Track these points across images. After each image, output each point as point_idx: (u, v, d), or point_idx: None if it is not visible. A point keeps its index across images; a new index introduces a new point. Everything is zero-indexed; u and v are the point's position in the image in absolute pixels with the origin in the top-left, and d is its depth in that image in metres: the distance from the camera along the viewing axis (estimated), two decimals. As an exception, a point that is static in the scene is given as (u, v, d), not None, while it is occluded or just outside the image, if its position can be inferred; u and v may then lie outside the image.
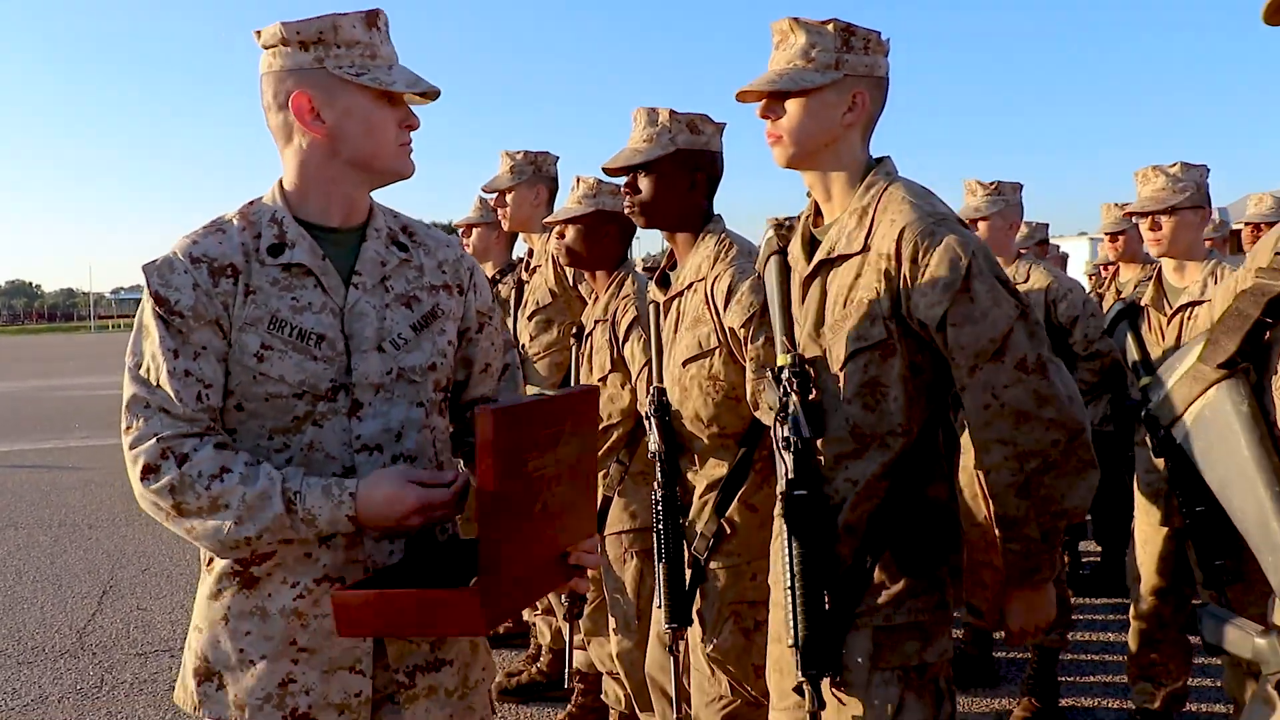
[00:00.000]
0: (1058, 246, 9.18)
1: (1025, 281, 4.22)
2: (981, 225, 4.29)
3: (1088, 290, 4.69)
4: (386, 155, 1.78)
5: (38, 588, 6.09)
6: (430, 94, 1.81)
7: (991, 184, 4.34)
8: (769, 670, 2.22)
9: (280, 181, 1.80)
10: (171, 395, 1.65)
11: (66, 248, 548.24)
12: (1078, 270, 11.78)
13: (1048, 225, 6.27)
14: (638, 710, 3.24)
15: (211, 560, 1.79)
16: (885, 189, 2.00)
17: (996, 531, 1.94)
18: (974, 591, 4.37)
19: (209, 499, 1.63)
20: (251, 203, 1.80)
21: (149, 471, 1.64)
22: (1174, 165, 3.57)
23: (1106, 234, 5.08)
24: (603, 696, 3.60)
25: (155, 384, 1.66)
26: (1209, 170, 3.62)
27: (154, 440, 1.64)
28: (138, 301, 1.78)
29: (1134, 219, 3.95)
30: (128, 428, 1.67)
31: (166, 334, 1.66)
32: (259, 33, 1.75)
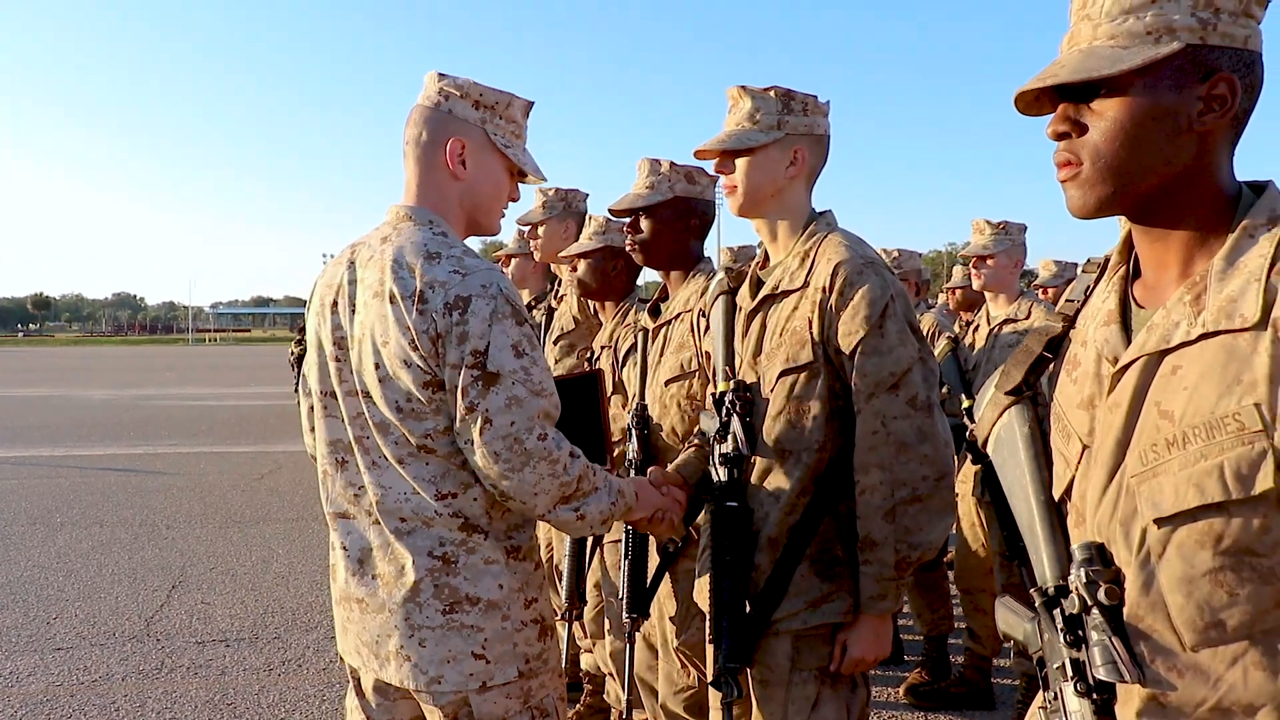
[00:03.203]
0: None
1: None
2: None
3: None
4: (495, 214, 2.20)
5: (115, 579, 6.56)
6: (540, 180, 2.25)
7: (999, 223, 4.53)
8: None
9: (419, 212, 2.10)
10: None
11: (169, 262, 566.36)
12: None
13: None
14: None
15: None
16: (825, 236, 2.26)
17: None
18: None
19: None
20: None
21: None
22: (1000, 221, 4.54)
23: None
24: (606, 697, 3.87)
25: None
26: (1026, 227, 4.58)
27: None
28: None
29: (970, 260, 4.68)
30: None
31: None
32: (442, 75, 2.12)
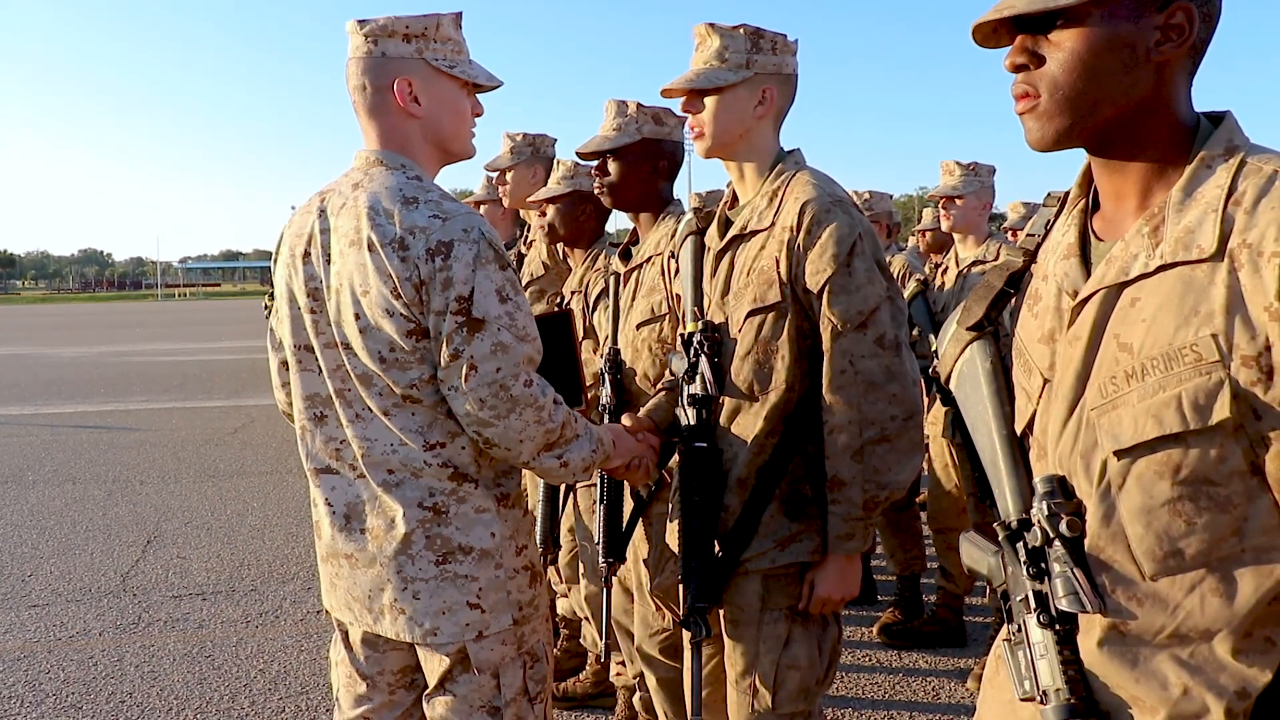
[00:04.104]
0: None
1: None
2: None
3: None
4: (464, 138, 2.14)
5: (89, 536, 6.54)
6: (497, 86, 2.16)
7: (968, 164, 4.52)
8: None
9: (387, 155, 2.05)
10: None
11: (136, 218, 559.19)
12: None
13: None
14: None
15: None
16: (794, 175, 2.24)
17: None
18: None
19: None
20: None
21: None
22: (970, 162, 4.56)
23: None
24: (582, 640, 3.91)
25: None
26: (995, 169, 4.57)
27: None
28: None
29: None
30: None
31: None
32: (362, 22, 2.04)
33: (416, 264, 1.87)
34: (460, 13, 2.09)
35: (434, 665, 2.04)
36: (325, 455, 2.07)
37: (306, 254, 2.04)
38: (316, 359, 2.04)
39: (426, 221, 1.89)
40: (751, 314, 2.18)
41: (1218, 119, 1.26)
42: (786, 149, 2.33)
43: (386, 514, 1.99)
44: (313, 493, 2.13)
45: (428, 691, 2.07)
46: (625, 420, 2.39)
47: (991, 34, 1.31)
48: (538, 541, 3.41)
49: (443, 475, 1.98)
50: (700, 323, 2.28)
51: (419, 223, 1.89)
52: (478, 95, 2.16)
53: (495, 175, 4.34)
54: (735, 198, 2.39)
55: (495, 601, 2.00)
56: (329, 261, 2.00)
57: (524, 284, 4.15)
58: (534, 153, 4.21)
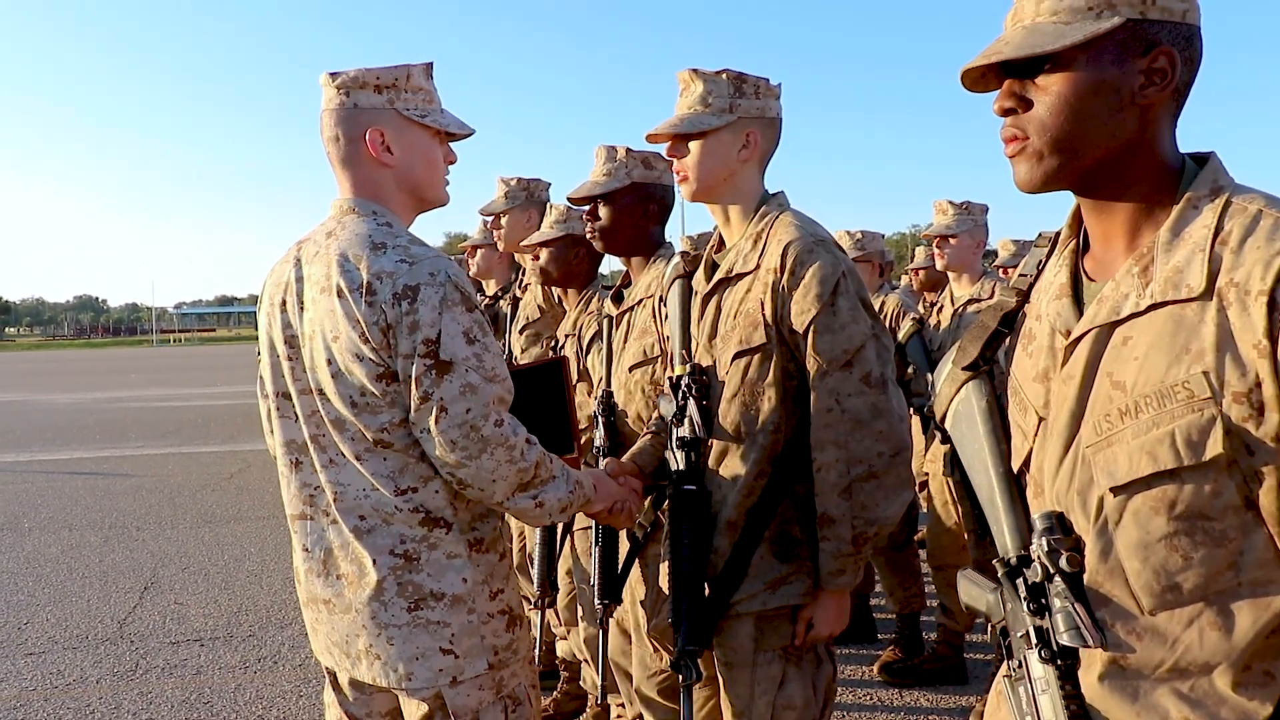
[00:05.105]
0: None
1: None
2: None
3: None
4: (437, 185, 2.18)
5: (86, 582, 6.50)
6: (469, 135, 2.20)
7: (961, 203, 4.57)
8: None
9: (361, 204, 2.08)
10: None
11: (131, 264, 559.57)
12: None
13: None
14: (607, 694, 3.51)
15: None
16: (777, 217, 2.27)
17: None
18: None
19: None
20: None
21: None
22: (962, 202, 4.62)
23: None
24: (582, 683, 3.89)
25: None
26: (988, 207, 4.65)
27: None
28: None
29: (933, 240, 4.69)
30: None
31: None
32: (334, 74, 2.09)
33: (384, 308, 1.89)
34: (431, 63, 2.14)
35: (412, 710, 2.05)
36: (300, 501, 2.09)
37: (284, 302, 2.07)
38: (294, 405, 2.07)
39: (394, 266, 1.91)
40: (738, 356, 2.20)
41: (1202, 160, 1.29)
42: (771, 191, 2.36)
43: (358, 560, 2.00)
44: (293, 539, 2.15)
45: None
46: (608, 464, 2.40)
47: (980, 79, 1.34)
48: (535, 585, 3.41)
49: (414, 521, 1.98)
50: (688, 366, 2.30)
51: (386, 268, 1.91)
52: (451, 144, 2.21)
53: (490, 219, 4.37)
54: (722, 241, 2.41)
55: (469, 647, 2.00)
56: (303, 309, 2.02)
57: (520, 327, 4.18)
58: (528, 197, 4.25)
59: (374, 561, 1.98)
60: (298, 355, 2.04)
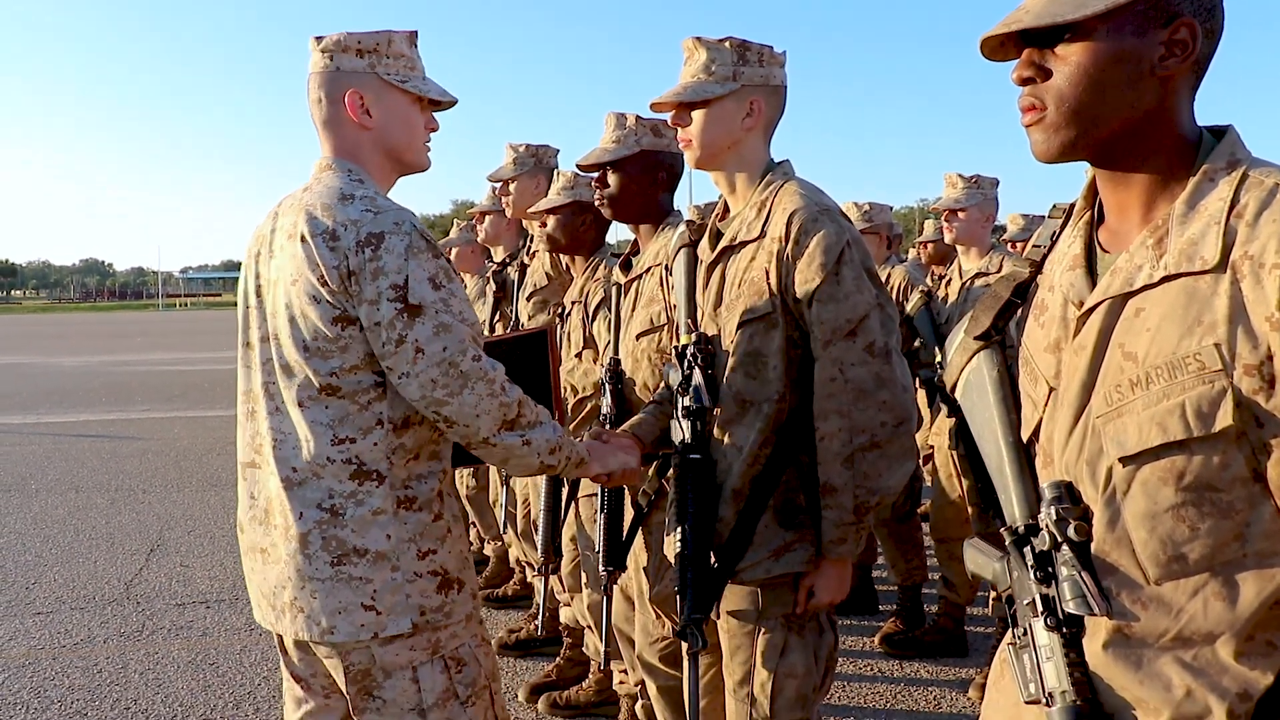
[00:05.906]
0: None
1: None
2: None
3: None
4: (416, 150, 2.20)
5: (93, 544, 6.55)
6: (451, 103, 2.23)
7: (971, 177, 4.55)
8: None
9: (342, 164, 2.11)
10: None
11: (137, 228, 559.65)
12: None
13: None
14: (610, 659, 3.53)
15: None
16: (782, 185, 2.26)
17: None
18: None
19: None
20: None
21: None
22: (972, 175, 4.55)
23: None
24: (585, 649, 3.91)
25: None
26: (998, 181, 4.60)
27: None
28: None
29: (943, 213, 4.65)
30: None
31: None
32: (319, 38, 2.12)
33: (346, 254, 1.91)
34: (415, 31, 2.17)
35: (336, 664, 2.04)
36: (251, 450, 2.12)
37: (258, 254, 2.12)
38: (253, 354, 2.10)
39: (359, 215, 1.94)
40: (743, 325, 2.20)
41: (1220, 133, 1.28)
42: (776, 160, 2.35)
43: (287, 512, 2.01)
44: (239, 487, 2.17)
45: (352, 705, 2.06)
46: (596, 432, 2.42)
47: (999, 48, 1.33)
48: (540, 552, 3.43)
49: (344, 474, 1.98)
50: (694, 335, 2.30)
51: (351, 216, 1.94)
52: (434, 112, 2.22)
53: (499, 186, 4.36)
54: (727, 209, 2.41)
55: (392, 604, 1.99)
56: (272, 257, 2.06)
57: (527, 294, 4.18)
58: (537, 163, 4.24)
59: (299, 515, 1.98)
60: (261, 304, 2.08)
